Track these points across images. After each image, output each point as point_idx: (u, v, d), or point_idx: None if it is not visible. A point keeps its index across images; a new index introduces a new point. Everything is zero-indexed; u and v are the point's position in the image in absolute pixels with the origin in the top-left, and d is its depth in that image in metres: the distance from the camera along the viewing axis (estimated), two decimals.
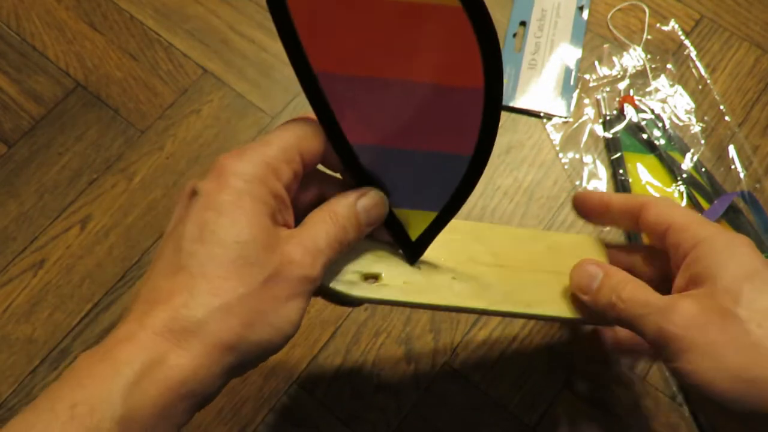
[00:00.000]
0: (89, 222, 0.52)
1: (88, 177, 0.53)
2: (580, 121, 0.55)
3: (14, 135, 0.55)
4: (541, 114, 0.55)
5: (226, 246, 0.25)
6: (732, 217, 0.49)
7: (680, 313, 0.29)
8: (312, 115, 0.29)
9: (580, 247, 0.39)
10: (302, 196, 0.31)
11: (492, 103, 0.27)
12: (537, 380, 0.46)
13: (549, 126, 0.54)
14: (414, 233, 0.33)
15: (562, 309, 0.36)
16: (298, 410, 0.46)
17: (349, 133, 0.29)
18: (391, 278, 0.33)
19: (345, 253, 0.30)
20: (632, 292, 0.31)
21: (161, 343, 0.24)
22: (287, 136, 0.28)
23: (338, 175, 0.32)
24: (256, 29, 0.58)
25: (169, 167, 0.53)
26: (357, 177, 0.31)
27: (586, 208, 0.37)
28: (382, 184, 0.31)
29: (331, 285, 0.31)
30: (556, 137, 0.54)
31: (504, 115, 0.55)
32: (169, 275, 0.26)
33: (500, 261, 0.36)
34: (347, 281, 0.32)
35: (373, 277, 0.33)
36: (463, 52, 0.26)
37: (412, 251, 0.33)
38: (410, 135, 0.29)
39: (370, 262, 0.33)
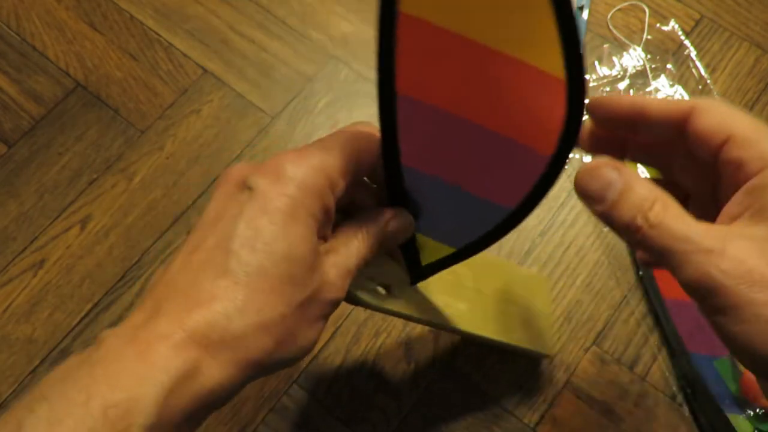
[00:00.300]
0: (89, 222, 0.52)
1: (88, 177, 0.53)
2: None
3: (14, 135, 0.55)
4: None
5: (276, 260, 0.25)
6: None
7: (733, 259, 0.22)
8: (370, 124, 0.29)
9: (533, 283, 0.43)
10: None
11: (553, 170, 0.27)
12: (537, 380, 0.46)
13: None
14: (425, 259, 0.33)
15: (533, 343, 0.40)
16: (298, 410, 0.46)
17: (405, 156, 0.28)
18: (400, 291, 0.34)
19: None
20: (663, 216, 0.24)
21: (197, 351, 0.23)
22: (348, 146, 0.27)
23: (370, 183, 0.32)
24: (256, 29, 0.58)
25: (169, 167, 0.53)
26: (393, 196, 0.30)
27: (610, 115, 0.28)
28: (414, 207, 0.31)
29: (359, 294, 0.32)
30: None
31: None
32: (213, 276, 0.24)
33: (480, 286, 0.39)
34: (371, 289, 0.33)
35: (384, 287, 0.33)
36: (548, 120, 0.25)
37: (417, 274, 0.34)
38: (462, 174, 0.29)
39: (382, 271, 0.33)
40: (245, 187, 0.26)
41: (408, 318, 0.35)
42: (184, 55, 0.57)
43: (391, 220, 0.30)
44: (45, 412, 0.21)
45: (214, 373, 0.24)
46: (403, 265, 0.34)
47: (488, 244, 0.31)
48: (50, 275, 0.50)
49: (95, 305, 0.49)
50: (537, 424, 0.45)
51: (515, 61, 0.24)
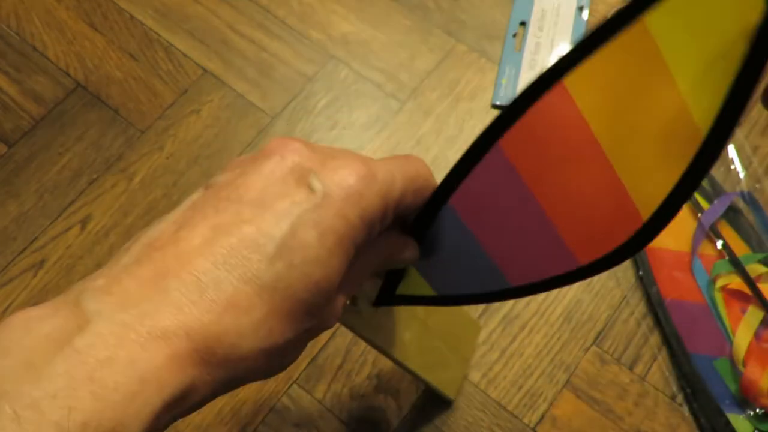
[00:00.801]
0: (89, 222, 0.52)
1: (88, 177, 0.53)
2: None
3: (14, 135, 0.55)
4: None
5: (307, 285, 0.22)
6: (732, 217, 0.49)
7: None
8: (423, 162, 0.27)
9: (468, 327, 0.45)
10: None
11: (575, 276, 0.27)
12: (537, 380, 0.46)
13: None
14: (401, 289, 0.32)
15: (443, 384, 0.42)
16: (298, 410, 0.46)
17: (457, 197, 0.27)
18: (363, 306, 0.33)
19: None
20: None
21: (197, 367, 0.20)
22: (409, 181, 0.25)
23: None
24: (256, 29, 0.58)
25: (169, 167, 0.53)
26: (417, 224, 0.29)
27: None
28: (427, 241, 0.29)
29: None
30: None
31: None
32: (238, 277, 0.21)
33: (428, 318, 0.38)
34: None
35: (351, 298, 0.32)
36: (604, 241, 0.26)
37: (385, 299, 0.33)
38: (494, 237, 0.28)
39: None
40: (303, 182, 0.22)
41: (360, 336, 0.34)
42: (184, 55, 0.57)
43: (406, 250, 0.28)
44: (7, 422, 0.17)
45: (206, 391, 0.21)
46: (376, 283, 0.33)
47: (467, 303, 0.30)
48: (50, 275, 0.50)
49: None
50: (537, 424, 0.45)
51: (615, 179, 0.24)
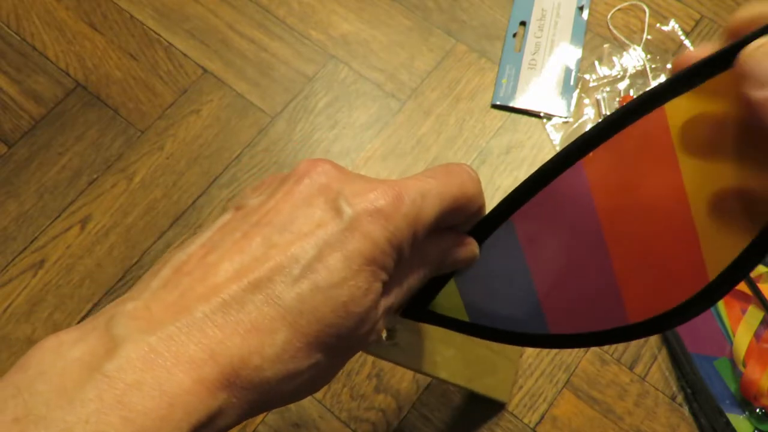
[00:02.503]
0: (89, 222, 0.52)
1: (88, 177, 0.53)
2: (580, 121, 0.55)
3: (14, 135, 0.55)
4: (541, 114, 0.55)
5: (333, 309, 0.21)
6: None
7: None
8: (472, 175, 0.25)
9: None
10: None
11: (620, 335, 0.26)
12: (537, 380, 0.46)
13: (549, 126, 0.54)
14: (435, 306, 0.30)
15: (495, 390, 0.41)
16: (298, 410, 0.46)
17: (521, 213, 0.25)
18: (403, 337, 0.32)
19: None
20: None
21: (223, 391, 0.20)
22: (449, 200, 0.24)
23: None
24: (256, 29, 0.58)
25: (169, 167, 0.53)
26: (477, 230, 0.27)
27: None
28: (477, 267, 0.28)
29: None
30: (556, 137, 0.54)
31: (504, 115, 0.55)
32: (262, 301, 0.21)
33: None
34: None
35: (389, 331, 0.32)
36: (661, 299, 0.25)
37: (415, 313, 0.30)
38: (546, 272, 0.26)
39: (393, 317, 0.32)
40: (332, 205, 0.22)
41: (403, 366, 0.33)
42: (184, 55, 0.57)
43: (461, 249, 0.26)
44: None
45: (231, 416, 0.21)
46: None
47: (497, 339, 0.28)
48: (50, 275, 0.50)
49: (95, 305, 0.49)
50: (537, 424, 0.45)
51: (692, 230, 0.23)
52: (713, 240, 0.24)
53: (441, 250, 0.26)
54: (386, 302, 0.24)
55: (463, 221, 0.25)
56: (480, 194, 0.25)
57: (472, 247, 0.27)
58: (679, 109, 0.22)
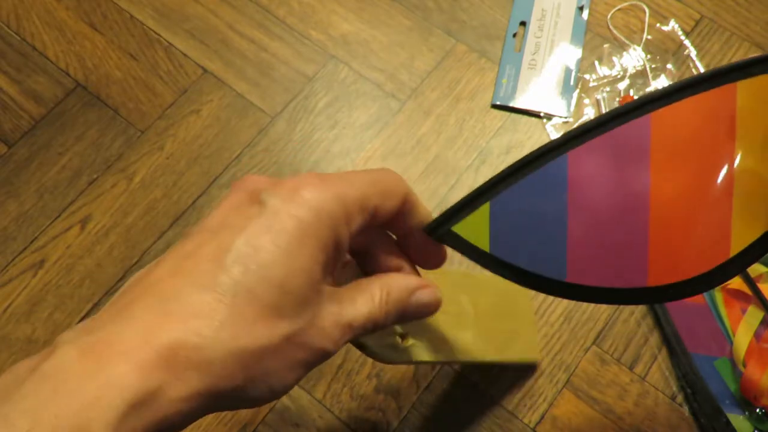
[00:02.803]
0: (89, 222, 0.52)
1: (88, 177, 0.53)
2: (580, 121, 0.55)
3: (14, 135, 0.55)
4: (541, 114, 0.55)
5: (267, 287, 0.22)
6: None
7: None
8: (394, 172, 0.27)
9: (513, 291, 0.43)
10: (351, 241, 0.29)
11: (637, 297, 0.27)
12: (537, 380, 0.46)
13: (549, 126, 0.54)
14: (460, 227, 0.28)
15: (524, 353, 0.41)
16: (298, 410, 0.46)
17: (575, 154, 0.26)
18: (416, 337, 0.32)
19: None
20: None
21: (161, 372, 0.21)
22: (373, 185, 0.26)
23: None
24: (256, 29, 0.58)
25: (169, 167, 0.53)
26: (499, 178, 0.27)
27: None
28: (523, 183, 0.27)
29: (375, 350, 0.30)
30: (556, 137, 0.54)
31: (504, 115, 0.55)
32: (198, 289, 0.22)
33: (477, 308, 0.38)
34: (388, 345, 0.31)
35: (401, 335, 0.32)
36: (691, 264, 0.25)
37: (439, 230, 0.29)
38: (584, 218, 0.26)
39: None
40: (257, 200, 0.24)
41: (425, 363, 0.34)
42: (184, 55, 0.57)
43: (420, 291, 0.28)
44: None
45: (175, 398, 0.21)
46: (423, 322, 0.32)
47: (510, 278, 0.28)
48: (50, 275, 0.50)
49: (95, 305, 0.49)
50: (537, 424, 0.45)
51: (729, 200, 0.24)
52: (744, 218, 0.24)
53: (404, 288, 0.27)
54: (339, 309, 0.25)
55: (393, 207, 0.27)
56: (403, 183, 0.27)
57: (434, 289, 0.28)
58: (749, 91, 0.23)
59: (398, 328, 0.32)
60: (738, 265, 0.25)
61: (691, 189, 0.25)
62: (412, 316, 0.28)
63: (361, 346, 0.30)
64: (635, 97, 0.55)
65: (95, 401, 0.19)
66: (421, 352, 0.32)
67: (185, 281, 0.22)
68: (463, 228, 0.28)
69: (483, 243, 0.28)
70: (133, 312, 0.22)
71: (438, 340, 0.34)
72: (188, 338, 0.21)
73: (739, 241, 0.24)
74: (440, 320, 0.34)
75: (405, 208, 0.27)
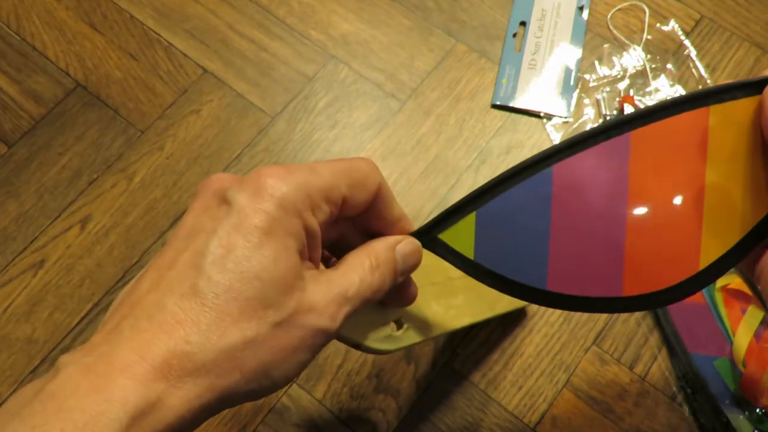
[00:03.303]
0: (89, 222, 0.52)
1: (88, 177, 0.53)
2: (580, 121, 0.55)
3: (14, 135, 0.55)
4: (541, 114, 0.55)
5: (247, 280, 0.23)
6: None
7: None
8: (370, 161, 0.27)
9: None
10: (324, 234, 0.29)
11: (613, 306, 0.28)
12: (537, 380, 0.46)
13: (549, 126, 0.54)
14: (446, 235, 0.30)
15: (513, 301, 0.39)
16: (298, 410, 0.46)
17: (559, 168, 0.27)
18: (410, 321, 0.32)
19: (375, 301, 0.28)
20: None
21: (159, 383, 0.22)
22: (339, 173, 0.26)
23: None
24: (256, 29, 0.58)
25: (169, 167, 0.53)
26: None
27: None
28: (511, 194, 0.28)
29: (372, 345, 0.30)
30: (556, 137, 0.54)
31: (504, 115, 0.55)
32: (180, 297, 0.23)
33: (448, 275, 0.38)
34: (384, 337, 0.31)
35: (396, 322, 0.32)
36: (662, 275, 0.27)
37: (424, 237, 0.30)
38: (565, 229, 0.28)
39: (389, 309, 0.32)
40: (223, 200, 0.25)
41: (428, 340, 0.34)
42: (184, 55, 0.57)
43: (400, 244, 0.28)
44: None
45: (175, 403, 0.22)
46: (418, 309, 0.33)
47: (491, 284, 0.29)
48: (50, 275, 0.50)
49: (95, 305, 0.49)
50: (537, 424, 0.45)
51: (699, 216, 0.26)
52: (713, 233, 0.26)
53: (387, 246, 0.28)
54: (329, 285, 0.25)
55: (365, 200, 0.27)
56: (375, 172, 0.27)
57: (410, 239, 0.29)
58: (721, 114, 0.26)
59: (392, 316, 0.32)
60: (706, 277, 0.26)
61: (664, 204, 0.26)
62: (403, 270, 0.29)
63: (357, 346, 0.30)
64: (635, 98, 0.55)
65: (99, 415, 0.20)
66: (418, 332, 0.33)
67: (167, 292, 0.23)
68: (449, 236, 0.29)
69: (468, 251, 0.29)
70: (123, 331, 0.23)
71: (432, 315, 0.34)
72: (178, 347, 0.22)
73: (707, 255, 0.26)
74: (430, 293, 0.35)
75: (378, 201, 0.28)
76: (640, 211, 0.27)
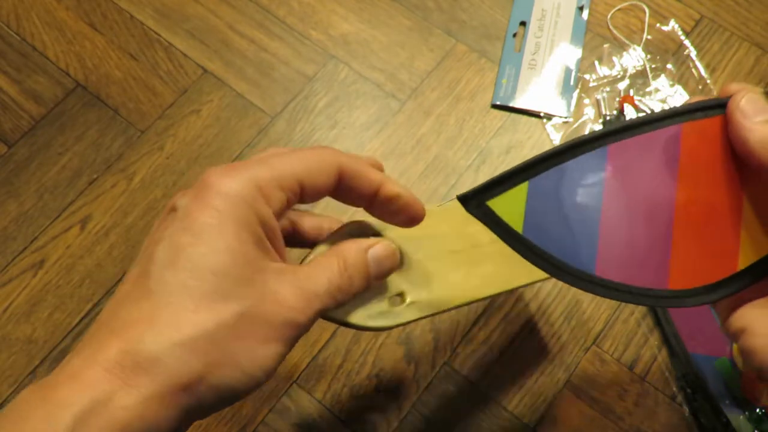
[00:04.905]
0: (89, 222, 0.52)
1: (88, 177, 0.53)
2: (580, 121, 0.55)
3: (14, 135, 0.55)
4: (541, 114, 0.55)
5: (200, 276, 0.23)
6: None
7: None
8: (332, 148, 0.27)
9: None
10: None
11: (658, 299, 0.28)
12: (537, 380, 0.46)
13: (549, 126, 0.54)
14: (495, 203, 0.28)
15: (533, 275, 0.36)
16: (298, 410, 0.46)
17: (615, 149, 0.27)
18: (416, 294, 0.31)
19: (348, 301, 0.28)
20: None
21: (108, 382, 0.21)
22: (292, 161, 0.26)
23: (306, 208, 0.30)
24: (256, 29, 0.58)
25: (169, 167, 0.53)
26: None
27: None
28: (567, 169, 0.27)
29: (361, 323, 0.29)
30: (556, 137, 0.54)
31: (504, 115, 0.55)
32: (133, 302, 0.23)
33: (473, 242, 0.35)
34: (378, 313, 0.30)
35: (398, 296, 0.31)
36: (705, 272, 0.27)
37: (473, 202, 0.28)
38: (616, 212, 0.27)
39: (389, 284, 0.31)
40: (170, 209, 0.25)
41: (432, 316, 0.32)
42: (184, 55, 0.57)
43: (372, 247, 0.28)
44: None
45: (129, 402, 0.21)
46: (414, 259, 0.31)
47: (538, 264, 0.28)
48: (50, 275, 0.50)
49: (95, 305, 0.49)
50: (537, 424, 0.45)
51: (738, 220, 0.26)
52: (752, 235, 0.26)
53: (357, 249, 0.28)
54: (294, 278, 0.25)
55: (329, 181, 0.27)
56: (334, 155, 0.27)
57: (386, 243, 0.29)
58: None
59: (393, 290, 0.30)
60: (744, 278, 0.26)
61: (709, 201, 0.26)
62: (377, 274, 0.28)
63: (347, 325, 0.29)
64: (635, 98, 0.55)
65: (48, 424, 0.20)
66: (424, 307, 0.31)
67: (122, 303, 0.23)
68: (498, 204, 0.27)
69: (516, 223, 0.27)
70: (83, 345, 0.23)
71: (448, 286, 0.32)
72: (130, 346, 0.22)
73: (746, 258, 0.26)
74: (449, 262, 0.33)
75: (348, 179, 0.27)
76: (688, 204, 0.26)
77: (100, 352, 0.22)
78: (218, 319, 0.23)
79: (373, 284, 0.29)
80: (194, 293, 0.23)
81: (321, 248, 0.29)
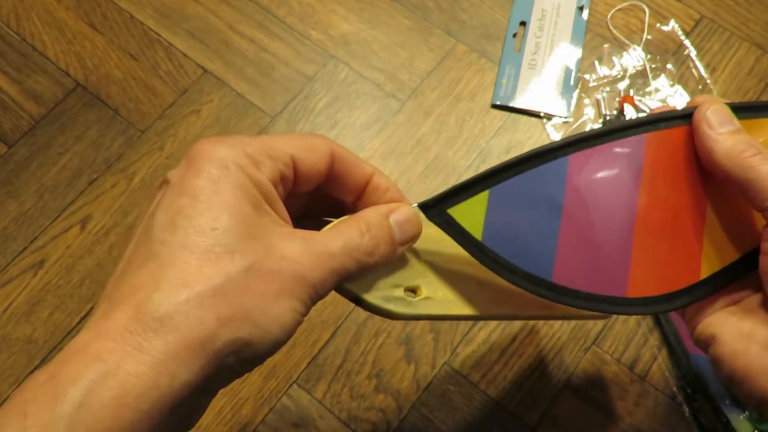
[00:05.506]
0: (89, 222, 0.52)
1: (88, 177, 0.53)
2: (580, 121, 0.55)
3: (14, 135, 0.55)
4: (541, 114, 0.55)
5: (201, 232, 0.22)
6: None
7: None
8: (324, 136, 0.27)
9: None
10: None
11: (615, 306, 0.28)
12: (537, 380, 0.46)
13: (549, 126, 0.54)
14: (456, 211, 0.28)
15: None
16: (298, 410, 0.46)
17: (576, 158, 0.27)
18: (431, 290, 0.30)
19: (376, 268, 0.27)
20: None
21: (117, 351, 0.20)
22: (283, 138, 0.26)
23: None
24: (256, 29, 0.58)
25: (169, 167, 0.53)
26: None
27: None
28: (525, 178, 0.28)
29: (377, 303, 0.28)
30: (557, 137, 0.54)
31: (504, 115, 0.55)
32: (136, 269, 0.22)
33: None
34: (394, 298, 0.29)
35: (411, 290, 0.30)
36: (666, 281, 0.28)
37: (433, 209, 0.29)
38: (576, 220, 0.27)
39: (406, 273, 0.30)
40: (163, 183, 0.25)
41: (445, 318, 0.31)
42: (184, 55, 0.57)
43: (393, 212, 0.27)
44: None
45: (141, 370, 0.20)
46: (434, 266, 0.31)
47: (496, 270, 0.28)
48: (50, 275, 0.50)
49: (95, 305, 0.49)
50: (537, 424, 0.45)
51: (700, 231, 0.27)
52: (715, 244, 0.27)
53: (379, 213, 0.27)
54: (311, 244, 0.24)
55: (317, 158, 0.27)
56: (327, 141, 0.27)
57: (407, 207, 0.28)
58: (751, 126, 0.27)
59: (409, 282, 0.30)
60: (706, 288, 0.27)
61: (672, 211, 0.27)
62: (402, 240, 0.28)
63: (360, 303, 0.28)
64: (635, 98, 0.55)
65: (54, 403, 0.20)
66: (440, 305, 0.30)
67: (126, 271, 0.23)
68: (458, 211, 0.28)
69: (476, 230, 0.28)
70: (89, 320, 0.23)
71: (459, 292, 0.31)
72: (138, 309, 0.21)
73: (709, 266, 0.27)
74: (463, 270, 0.32)
75: (340, 164, 0.27)
76: (649, 213, 0.27)
77: (107, 323, 0.21)
78: (225, 273, 0.22)
79: (398, 253, 0.28)
80: (197, 250, 0.22)
81: (338, 220, 0.28)
